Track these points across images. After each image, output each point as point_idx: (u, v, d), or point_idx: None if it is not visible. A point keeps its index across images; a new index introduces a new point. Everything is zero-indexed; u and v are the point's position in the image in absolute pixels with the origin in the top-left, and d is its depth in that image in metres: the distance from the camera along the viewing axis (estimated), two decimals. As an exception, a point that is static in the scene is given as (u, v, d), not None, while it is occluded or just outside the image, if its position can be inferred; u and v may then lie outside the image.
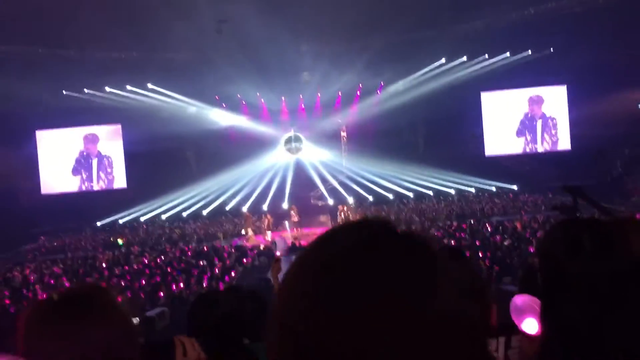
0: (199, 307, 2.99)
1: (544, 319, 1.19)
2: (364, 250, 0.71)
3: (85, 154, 29.23)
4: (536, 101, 29.18)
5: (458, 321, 0.70)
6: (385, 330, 0.65)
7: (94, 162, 29.35)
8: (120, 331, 1.37)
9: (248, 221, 25.03)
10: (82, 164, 29.29)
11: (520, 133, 29.38)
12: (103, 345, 1.31)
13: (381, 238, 0.73)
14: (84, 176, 29.26)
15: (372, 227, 0.75)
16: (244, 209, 26.96)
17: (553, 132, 29.17)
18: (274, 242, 18.61)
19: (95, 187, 29.40)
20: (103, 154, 29.42)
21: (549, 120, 29.19)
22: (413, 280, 0.68)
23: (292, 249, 20.44)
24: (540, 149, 29.33)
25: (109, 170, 29.38)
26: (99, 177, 29.38)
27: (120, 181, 29.26)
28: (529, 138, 29.35)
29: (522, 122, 29.34)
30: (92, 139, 29.21)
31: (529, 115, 29.28)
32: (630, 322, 1.02)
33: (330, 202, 27.24)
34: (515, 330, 2.42)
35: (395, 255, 0.71)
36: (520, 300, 2.29)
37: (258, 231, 24.38)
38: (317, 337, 0.67)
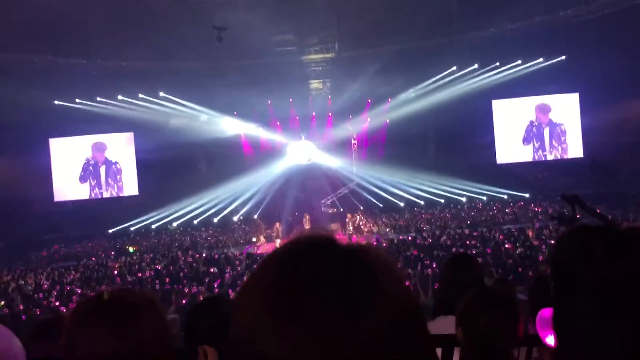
0: (194, 314, 3.01)
1: (555, 328, 1.18)
2: (305, 266, 0.72)
3: (92, 161, 29.40)
4: (543, 109, 29.10)
5: (393, 335, 0.70)
6: (318, 346, 0.67)
7: (102, 169, 29.53)
8: (162, 340, 1.39)
9: (259, 229, 25.10)
10: (89, 172, 29.46)
11: (526, 141, 29.30)
12: (143, 351, 1.33)
13: (319, 255, 0.74)
14: (93, 183, 29.43)
15: (314, 244, 0.76)
16: (255, 216, 27.03)
17: (562, 139, 29.02)
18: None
19: (105, 195, 29.54)
20: (112, 160, 29.57)
21: (557, 128, 29.07)
22: (345, 297, 0.69)
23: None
24: (550, 157, 29.19)
25: (117, 177, 29.55)
26: (107, 184, 29.54)
27: (131, 188, 29.42)
28: (536, 146, 29.24)
29: (527, 130, 29.29)
30: (99, 147, 29.42)
31: (535, 123, 29.19)
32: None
33: (341, 209, 27.24)
34: (537, 341, 2.41)
35: (331, 271, 0.72)
36: (547, 313, 2.27)
37: (269, 239, 24.43)
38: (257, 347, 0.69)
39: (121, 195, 29.48)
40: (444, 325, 2.55)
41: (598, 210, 3.51)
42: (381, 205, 28.05)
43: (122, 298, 1.43)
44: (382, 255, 0.78)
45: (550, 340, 2.15)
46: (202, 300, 3.70)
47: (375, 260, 0.76)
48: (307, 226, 25.41)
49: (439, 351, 2.45)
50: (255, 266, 0.81)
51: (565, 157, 28.85)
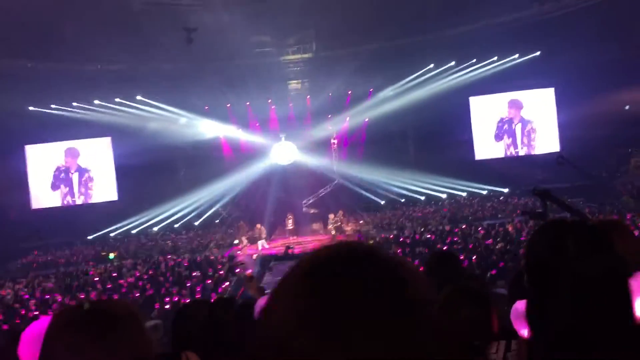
0: (178, 319, 3.00)
1: (528, 321, 1.20)
2: (346, 276, 0.71)
3: (63, 168, 28.99)
4: (515, 105, 29.43)
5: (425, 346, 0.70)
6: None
7: (75, 176, 29.13)
8: (142, 352, 1.38)
9: (242, 231, 25.02)
10: (61, 179, 29.03)
11: (498, 137, 29.62)
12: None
13: (361, 264, 0.74)
14: (65, 191, 29.01)
15: (353, 252, 0.76)
16: (238, 218, 26.94)
17: (532, 136, 29.39)
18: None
19: (77, 202, 29.12)
20: (85, 167, 29.18)
21: (528, 124, 29.43)
22: (386, 312, 0.69)
23: (284, 256, 20.47)
24: (521, 153, 29.54)
25: (89, 184, 29.14)
26: (79, 191, 29.13)
27: (110, 194, 29.08)
28: (508, 142, 29.57)
29: (498, 127, 29.60)
30: (72, 153, 29.01)
31: (506, 119, 29.51)
32: (614, 322, 1.03)
33: (322, 209, 27.26)
34: (515, 334, 2.43)
35: (373, 282, 0.71)
36: (521, 306, 2.30)
37: (252, 240, 24.37)
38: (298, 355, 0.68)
39: (91, 202, 29.01)
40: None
41: (569, 204, 3.55)
42: (362, 204, 28.14)
43: (102, 309, 1.42)
44: (417, 270, 0.78)
45: (526, 332, 2.18)
46: (185, 304, 3.68)
47: (414, 275, 0.76)
48: (290, 227, 25.40)
49: None
50: (289, 270, 0.79)
51: (534, 153, 29.19)
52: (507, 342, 2.59)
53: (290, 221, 25.48)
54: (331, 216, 25.17)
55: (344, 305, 0.68)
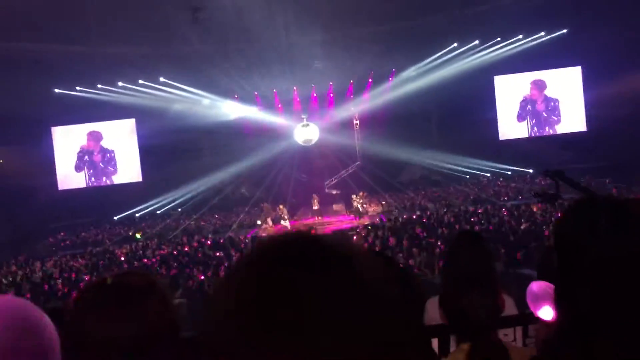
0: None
1: (558, 303, 1.17)
2: (287, 271, 0.71)
3: (86, 150, 29.35)
4: (539, 85, 28.88)
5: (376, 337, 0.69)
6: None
7: (98, 157, 29.48)
8: (167, 322, 1.40)
9: (266, 211, 25.11)
10: (84, 161, 29.42)
11: (520, 117, 29.14)
12: (149, 333, 1.33)
13: (305, 255, 0.73)
14: (89, 172, 29.41)
15: (297, 245, 0.75)
16: (261, 199, 27.08)
17: (556, 114, 28.84)
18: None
19: (102, 183, 29.49)
20: (108, 148, 29.52)
21: (552, 103, 28.87)
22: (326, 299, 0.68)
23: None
24: (545, 133, 29.05)
25: (113, 165, 29.47)
26: (103, 172, 29.49)
27: (135, 175, 29.40)
28: (532, 122, 29.09)
29: (521, 107, 29.09)
30: (95, 136, 29.34)
31: (529, 99, 28.99)
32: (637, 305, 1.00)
33: (344, 190, 27.25)
34: (532, 319, 2.39)
35: (314, 272, 0.70)
36: (536, 286, 2.26)
37: (276, 221, 24.50)
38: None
39: (116, 183, 29.37)
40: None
41: (583, 185, 3.47)
42: (385, 185, 28.05)
43: (125, 281, 1.44)
44: (364, 251, 0.76)
45: (543, 313, 2.15)
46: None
47: (360, 256, 0.74)
48: (315, 207, 25.46)
49: (434, 341, 2.40)
50: (231, 266, 0.79)
51: (558, 132, 28.70)
52: (524, 327, 2.54)
53: (315, 201, 25.55)
54: (353, 197, 25.15)
55: (284, 290, 0.68)
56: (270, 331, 0.66)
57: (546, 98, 28.96)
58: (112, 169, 29.51)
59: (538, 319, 2.22)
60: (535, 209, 18.36)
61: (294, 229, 0.80)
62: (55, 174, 28.84)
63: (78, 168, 29.32)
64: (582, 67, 28.09)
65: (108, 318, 1.33)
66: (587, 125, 28.06)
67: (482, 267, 2.35)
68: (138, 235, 24.13)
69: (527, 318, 2.48)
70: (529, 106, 29.09)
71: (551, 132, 29.04)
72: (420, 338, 0.73)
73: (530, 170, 27.29)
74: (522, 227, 15.22)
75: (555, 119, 28.95)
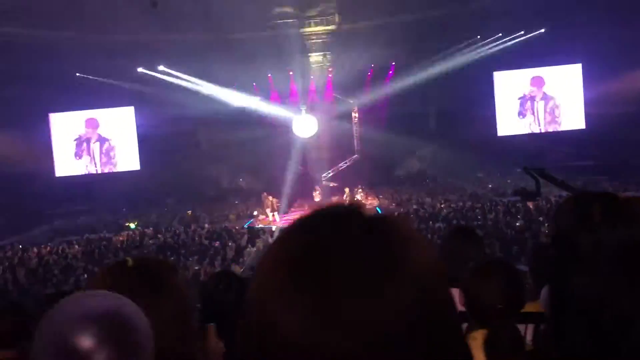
0: (211, 289, 2.98)
1: (553, 295, 1.18)
2: (337, 243, 0.71)
3: (84, 137, 29.28)
4: (537, 82, 28.86)
5: (419, 310, 0.69)
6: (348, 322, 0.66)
7: (96, 145, 29.43)
8: (182, 310, 1.41)
9: (265, 202, 25.06)
10: (82, 149, 29.37)
11: (521, 114, 29.14)
12: (165, 319, 1.33)
13: (352, 226, 0.73)
14: (87, 160, 29.38)
15: (344, 216, 0.75)
16: (257, 190, 27.06)
17: (556, 112, 28.86)
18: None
19: (100, 170, 29.45)
20: (106, 137, 29.46)
21: (551, 101, 28.88)
22: (365, 273, 0.68)
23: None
24: (544, 130, 29.06)
25: (111, 154, 29.42)
26: (101, 161, 29.45)
27: (133, 163, 29.34)
28: (531, 119, 29.10)
29: (521, 104, 29.09)
30: (92, 124, 29.26)
31: (528, 96, 28.98)
32: (635, 296, 1.01)
33: (341, 183, 27.24)
34: (542, 318, 2.38)
35: (363, 243, 0.71)
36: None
37: (274, 212, 24.47)
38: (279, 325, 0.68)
39: (116, 171, 29.33)
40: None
41: (565, 182, 3.45)
42: (382, 179, 28.04)
43: (146, 265, 1.45)
44: (408, 226, 0.77)
45: None
46: (215, 276, 3.60)
47: (401, 232, 0.74)
48: (317, 199, 25.48)
49: None
50: (278, 235, 0.81)
51: (559, 130, 28.73)
52: (536, 326, 2.54)
53: (316, 193, 25.59)
54: (345, 191, 25.15)
55: (330, 261, 0.69)
56: (300, 291, 0.68)
57: (545, 95, 28.96)
58: (110, 157, 29.46)
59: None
60: (531, 205, 18.40)
61: (340, 203, 0.81)
62: (52, 160, 28.78)
63: (77, 155, 29.28)
64: (582, 64, 28.06)
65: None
66: (586, 123, 28.07)
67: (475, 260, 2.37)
68: (132, 225, 24.15)
69: (542, 317, 2.46)
70: (528, 103, 29.09)
71: (550, 129, 29.06)
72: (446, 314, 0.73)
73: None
74: (517, 224, 15.27)
75: (555, 116, 28.96)
